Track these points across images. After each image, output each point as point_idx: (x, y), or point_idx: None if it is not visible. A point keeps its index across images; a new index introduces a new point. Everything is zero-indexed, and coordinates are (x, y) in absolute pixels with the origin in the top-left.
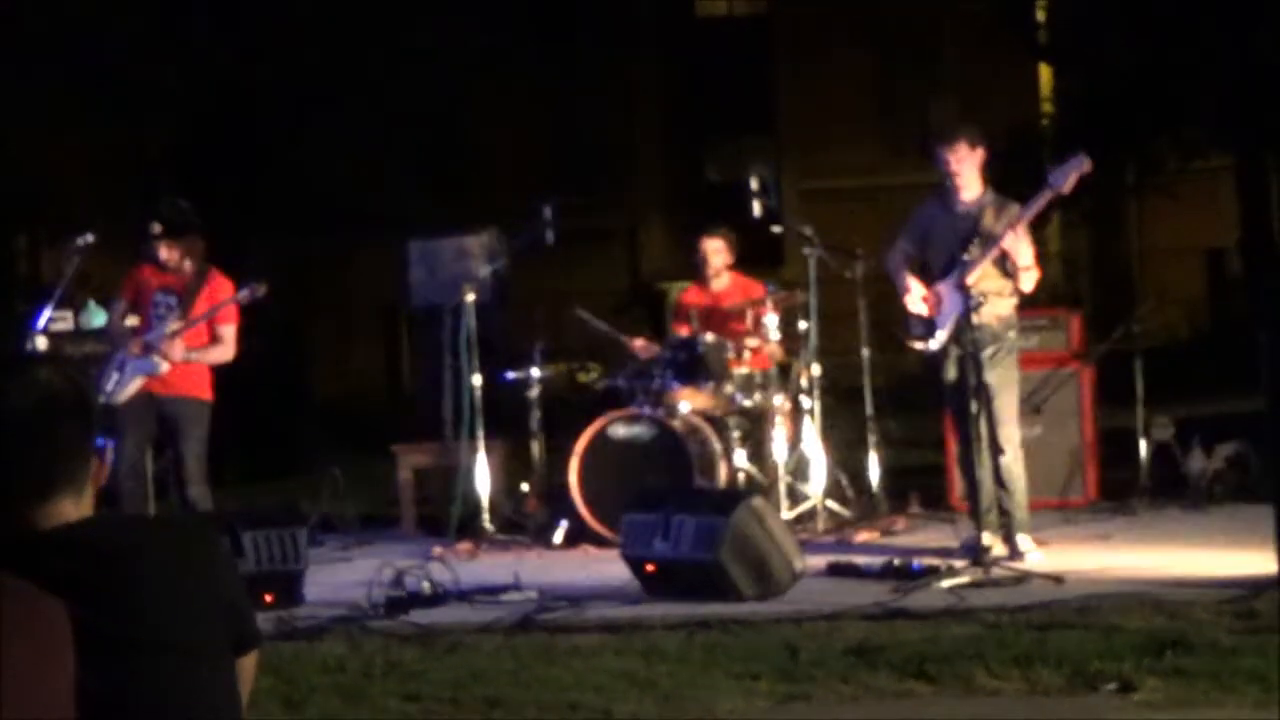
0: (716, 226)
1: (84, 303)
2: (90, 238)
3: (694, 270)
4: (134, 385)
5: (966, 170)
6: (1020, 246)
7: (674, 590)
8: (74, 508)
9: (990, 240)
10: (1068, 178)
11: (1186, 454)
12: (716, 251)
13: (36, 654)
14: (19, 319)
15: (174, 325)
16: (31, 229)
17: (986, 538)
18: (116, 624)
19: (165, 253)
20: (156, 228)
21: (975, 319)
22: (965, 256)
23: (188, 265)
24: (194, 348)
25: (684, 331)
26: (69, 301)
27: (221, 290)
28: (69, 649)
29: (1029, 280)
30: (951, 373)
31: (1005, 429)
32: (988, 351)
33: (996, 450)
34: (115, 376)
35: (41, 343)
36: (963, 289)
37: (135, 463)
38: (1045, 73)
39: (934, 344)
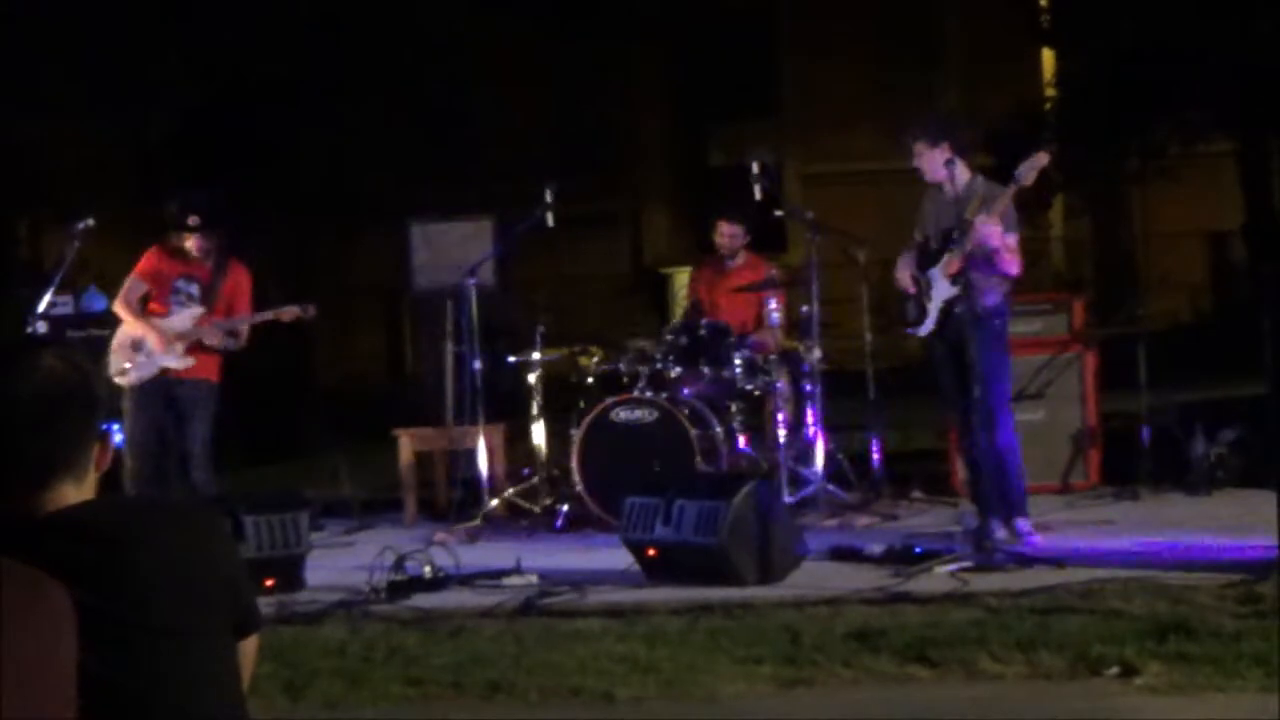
0: (733, 210)
1: (84, 287)
2: (91, 222)
3: (702, 252)
4: (155, 370)
5: (929, 167)
6: (991, 235)
7: (676, 574)
8: (75, 492)
9: (971, 228)
10: (1028, 173)
11: (1189, 438)
12: (733, 235)
13: (39, 637)
14: (20, 304)
15: (195, 311)
16: (32, 214)
17: (990, 522)
18: (117, 607)
19: (199, 244)
20: (194, 219)
21: (962, 305)
22: (951, 243)
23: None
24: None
25: (698, 295)
26: (70, 286)
27: (242, 279)
28: (71, 632)
29: (1010, 265)
30: (942, 358)
31: (998, 412)
32: (976, 337)
33: (991, 433)
34: (137, 359)
35: (42, 327)
36: (948, 275)
37: (149, 446)
38: (1048, 57)
39: (922, 330)
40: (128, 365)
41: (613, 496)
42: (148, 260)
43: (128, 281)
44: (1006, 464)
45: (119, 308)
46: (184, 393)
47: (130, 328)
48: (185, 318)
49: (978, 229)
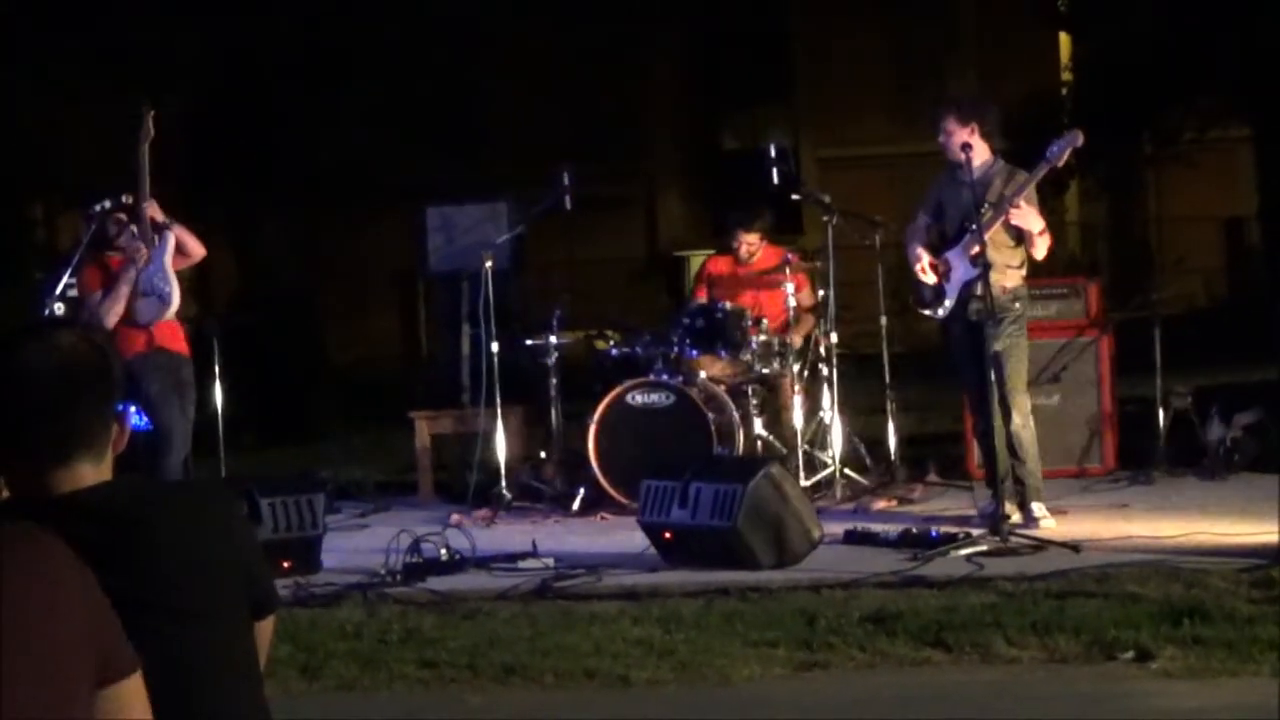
0: (753, 218)
1: None
2: (107, 204)
3: (718, 242)
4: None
5: (952, 145)
6: (1028, 218)
7: (691, 558)
8: (93, 472)
9: (996, 210)
10: (1062, 152)
11: (1204, 423)
12: (752, 244)
13: (43, 588)
14: (36, 286)
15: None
16: (47, 197)
17: (1005, 506)
18: (132, 587)
19: (128, 217)
20: (125, 197)
21: (981, 288)
22: (972, 226)
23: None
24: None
25: (702, 296)
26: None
27: None
28: (77, 575)
29: (1041, 247)
30: (960, 340)
31: (1014, 396)
32: (994, 319)
33: (1006, 418)
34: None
35: (59, 308)
36: (970, 258)
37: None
38: (1064, 41)
39: (941, 311)
40: (168, 290)
41: (629, 480)
42: (96, 271)
43: (90, 297)
44: (1023, 446)
45: (110, 317)
46: (185, 373)
47: (124, 287)
48: (157, 253)
49: (1011, 214)
